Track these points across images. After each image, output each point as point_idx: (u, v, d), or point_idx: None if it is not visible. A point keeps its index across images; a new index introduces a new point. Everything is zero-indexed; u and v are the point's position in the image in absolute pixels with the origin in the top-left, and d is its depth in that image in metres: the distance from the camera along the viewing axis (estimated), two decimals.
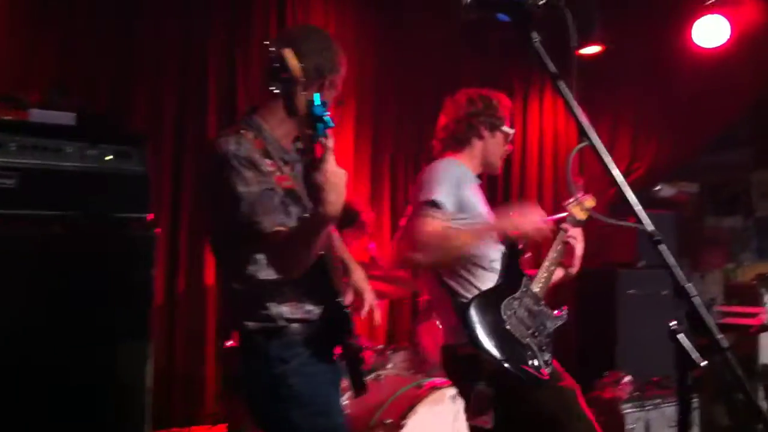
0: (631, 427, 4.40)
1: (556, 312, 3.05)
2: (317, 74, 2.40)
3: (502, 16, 1.87)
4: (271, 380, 2.32)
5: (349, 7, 5.84)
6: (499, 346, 2.76)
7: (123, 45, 4.74)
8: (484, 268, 2.95)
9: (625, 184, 1.77)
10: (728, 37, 5.70)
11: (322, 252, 2.31)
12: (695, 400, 4.67)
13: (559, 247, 3.13)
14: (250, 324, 2.34)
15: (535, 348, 2.85)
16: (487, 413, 2.83)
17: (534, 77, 6.73)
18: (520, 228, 2.87)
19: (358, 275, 2.73)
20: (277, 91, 2.12)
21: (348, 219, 4.59)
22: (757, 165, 6.92)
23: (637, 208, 1.76)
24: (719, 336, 1.62)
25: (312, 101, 1.99)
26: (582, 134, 1.80)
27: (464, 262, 2.92)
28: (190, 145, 4.95)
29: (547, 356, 2.89)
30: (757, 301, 5.48)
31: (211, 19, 5.10)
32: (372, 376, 4.11)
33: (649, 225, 1.73)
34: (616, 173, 1.77)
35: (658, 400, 4.54)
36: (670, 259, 1.69)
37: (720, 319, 5.50)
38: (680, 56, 6.07)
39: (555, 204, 6.63)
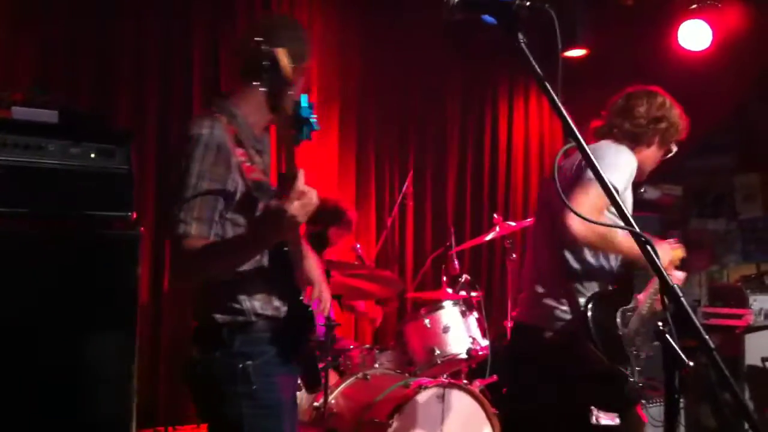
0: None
1: (653, 341, 3.02)
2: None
3: (488, 18, 1.86)
4: (231, 374, 2.27)
5: (334, 6, 5.84)
6: (609, 348, 2.74)
7: (104, 42, 4.73)
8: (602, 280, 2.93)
9: (611, 184, 1.77)
10: (710, 42, 5.75)
11: (287, 248, 2.32)
12: (681, 400, 4.69)
13: (652, 291, 3.06)
14: (219, 316, 2.30)
15: (634, 365, 2.83)
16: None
17: (519, 78, 6.75)
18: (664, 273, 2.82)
19: (311, 264, 2.65)
20: (263, 88, 2.10)
21: (334, 217, 4.59)
22: (741, 168, 6.96)
23: (624, 209, 1.76)
24: (706, 337, 1.62)
25: (299, 103, 1.99)
26: (568, 135, 1.79)
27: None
28: (174, 144, 4.92)
29: (639, 379, 2.85)
30: (742, 303, 5.50)
31: (193, 17, 5.09)
32: (359, 375, 4.10)
33: (635, 226, 1.73)
34: (602, 174, 1.77)
35: (643, 401, 4.55)
36: (657, 261, 1.69)
37: (705, 320, 5.52)
38: (664, 61, 6.10)
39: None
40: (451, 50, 6.37)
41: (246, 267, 2.30)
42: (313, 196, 2.07)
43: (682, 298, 1.65)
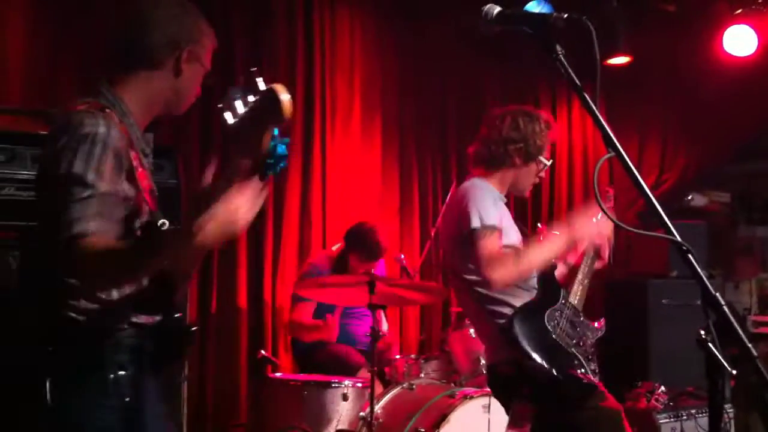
0: None
1: (596, 324, 3.08)
2: (172, 46, 2.11)
3: (527, 30, 1.88)
4: (100, 384, 2.00)
5: (373, 15, 5.88)
6: (548, 356, 2.80)
7: None
8: (520, 288, 2.99)
9: (651, 194, 1.78)
10: (756, 47, 5.69)
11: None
12: (730, 410, 4.63)
13: (589, 259, 3.14)
14: (80, 318, 1.99)
15: (581, 358, 2.89)
16: (524, 428, 2.86)
17: (562, 86, 6.72)
18: (583, 237, 2.90)
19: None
20: (232, 121, 1.84)
21: (357, 242, 4.64)
22: None
23: (665, 218, 1.76)
24: (749, 345, 1.62)
25: (275, 137, 1.82)
26: (608, 145, 1.80)
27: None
28: (217, 154, 4.99)
29: (593, 365, 2.93)
30: None
31: (234, 29, 5.14)
32: (404, 385, 4.12)
33: (676, 235, 1.73)
34: (643, 183, 1.77)
35: (693, 410, 4.51)
36: (698, 269, 1.69)
37: (755, 329, 5.46)
38: (707, 66, 6.05)
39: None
40: (491, 58, 6.37)
41: (118, 294, 2.03)
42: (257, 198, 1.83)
43: (725, 306, 1.66)
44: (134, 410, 2.04)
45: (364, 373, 4.20)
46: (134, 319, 2.06)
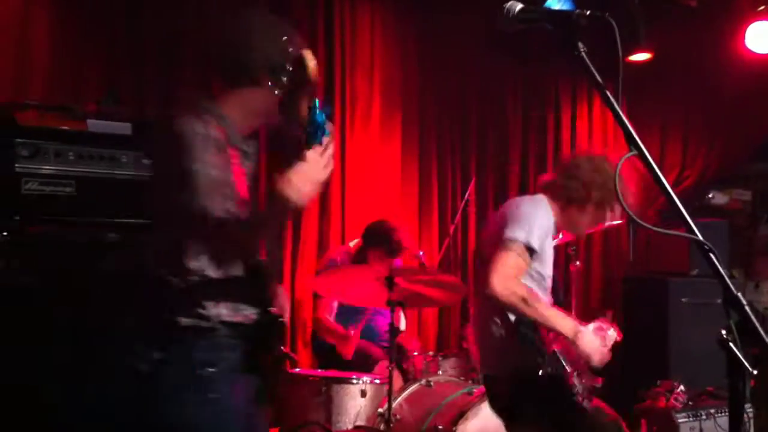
0: None
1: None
2: (270, 67, 2.29)
3: (549, 27, 1.88)
4: (189, 381, 2.18)
5: (393, 12, 5.88)
6: (546, 361, 2.91)
7: (169, 51, 4.82)
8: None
9: (673, 192, 1.76)
10: None
11: (263, 258, 2.29)
12: (750, 410, 4.60)
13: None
14: (183, 320, 2.19)
15: (575, 378, 2.96)
16: None
17: (582, 82, 6.69)
18: (584, 350, 2.93)
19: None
20: (278, 91, 2.11)
21: (377, 239, 4.65)
22: None
23: (687, 216, 1.75)
24: None
25: (314, 107, 1.96)
26: (629, 143, 1.80)
27: None
28: None
29: (585, 390, 3.00)
30: None
31: None
32: (423, 382, 4.13)
33: (698, 234, 1.72)
34: (665, 181, 1.76)
35: (713, 410, 4.50)
36: (720, 268, 1.68)
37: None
38: (729, 63, 6.01)
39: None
40: (512, 56, 6.36)
41: (217, 274, 2.23)
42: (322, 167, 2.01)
43: (746, 306, 1.65)
44: (225, 407, 2.19)
45: (384, 367, 4.20)
46: (229, 319, 2.22)
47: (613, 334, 3.11)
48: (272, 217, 2.12)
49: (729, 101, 6.30)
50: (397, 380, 4.20)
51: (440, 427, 3.71)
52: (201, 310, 2.20)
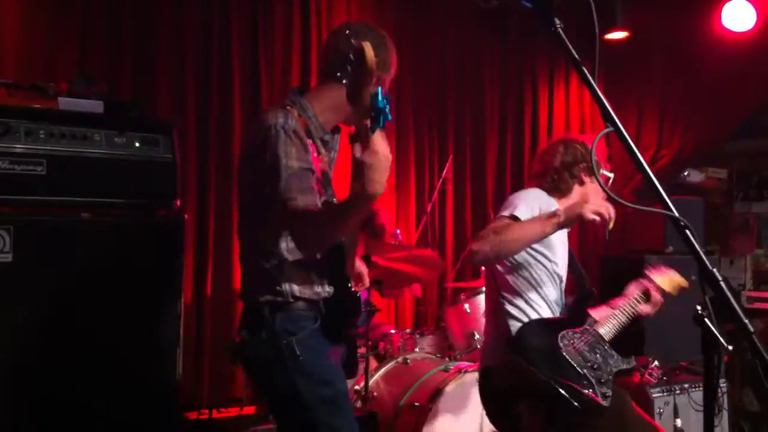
0: (659, 411, 4.39)
1: (624, 357, 3.07)
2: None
3: (525, 3, 1.87)
4: (276, 351, 2.37)
5: None
6: (548, 367, 2.77)
7: (143, 31, 4.77)
8: (546, 304, 3.03)
9: (649, 170, 1.76)
10: (754, 22, 5.66)
11: (344, 241, 2.42)
12: (724, 384, 4.65)
13: (634, 299, 3.21)
14: (260, 297, 2.41)
15: (592, 380, 2.83)
16: None
17: (560, 61, 6.69)
18: (584, 212, 2.82)
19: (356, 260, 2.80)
20: (344, 80, 2.29)
21: (366, 224, 4.65)
22: None
23: (663, 193, 1.75)
24: (746, 321, 1.62)
25: (376, 94, 2.06)
26: (606, 120, 1.79)
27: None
28: (213, 133, 4.98)
29: (605, 390, 2.85)
30: None
31: (232, 6, 5.11)
32: (399, 360, 4.14)
33: (674, 211, 1.73)
34: (641, 158, 1.76)
35: (686, 385, 4.53)
36: (696, 245, 1.68)
37: (750, 305, 5.47)
38: (706, 42, 6.02)
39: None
40: (489, 33, 6.34)
41: (297, 259, 2.39)
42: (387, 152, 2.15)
43: (722, 282, 1.65)
44: (315, 366, 2.37)
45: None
46: (298, 294, 2.40)
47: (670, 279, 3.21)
48: (352, 209, 2.24)
49: (706, 81, 6.31)
50: (374, 360, 4.21)
51: (417, 404, 3.72)
52: (276, 287, 2.39)
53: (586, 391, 2.76)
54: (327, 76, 2.54)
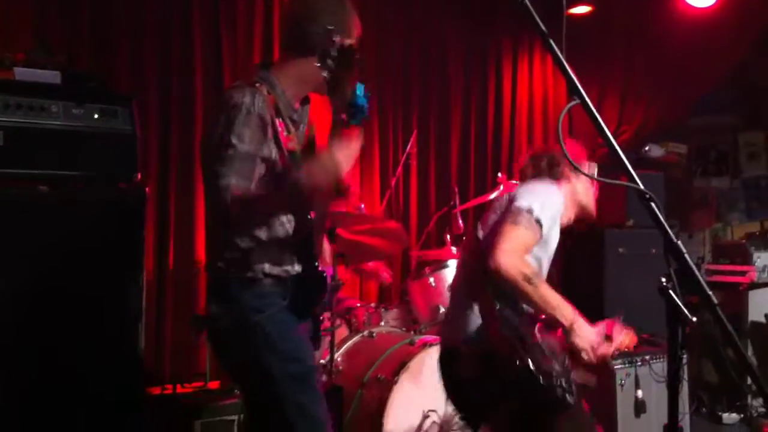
0: (621, 383, 4.45)
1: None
2: (326, 38, 2.41)
3: None
4: (245, 327, 2.38)
5: None
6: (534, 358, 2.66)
7: (103, 2, 4.67)
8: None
9: (614, 141, 1.76)
10: None
11: (313, 220, 2.47)
12: (684, 356, 4.73)
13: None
14: (228, 271, 2.42)
15: (563, 376, 2.72)
16: None
17: (524, 37, 6.68)
18: (577, 343, 2.74)
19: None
20: (325, 73, 2.26)
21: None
22: (745, 126, 6.94)
23: (628, 165, 1.76)
24: (709, 292, 1.63)
25: (356, 91, 2.11)
26: (572, 93, 1.79)
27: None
28: (175, 106, 4.90)
29: (572, 386, 2.75)
30: (746, 260, 5.53)
31: None
32: (365, 333, 4.14)
33: (639, 183, 1.73)
34: (606, 130, 1.76)
35: (648, 357, 4.59)
36: (661, 217, 1.69)
37: (709, 278, 5.55)
38: (668, 19, 6.05)
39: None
40: (454, 8, 6.31)
41: (266, 235, 2.42)
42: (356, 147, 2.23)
43: (686, 254, 1.67)
44: (284, 342, 2.39)
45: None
46: (268, 271, 2.41)
47: (626, 340, 2.98)
48: (289, 197, 2.32)
49: (668, 56, 6.34)
50: (340, 333, 4.20)
51: (382, 377, 3.73)
52: (247, 265, 2.40)
53: (560, 386, 2.67)
54: (291, 49, 2.52)
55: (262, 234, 2.41)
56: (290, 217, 2.48)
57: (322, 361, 3.89)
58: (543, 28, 1.81)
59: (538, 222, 2.73)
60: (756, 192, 6.97)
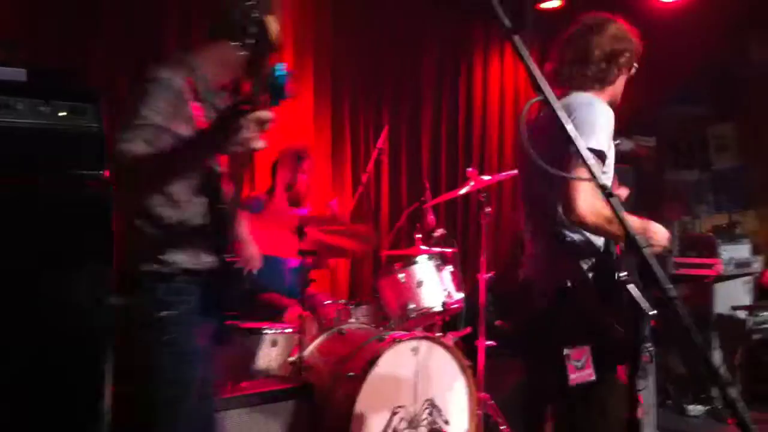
0: None
1: None
2: (243, 14, 2.32)
3: None
4: (151, 322, 2.35)
5: None
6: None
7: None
8: None
9: (579, 138, 1.78)
10: None
11: (226, 205, 2.43)
12: (651, 349, 4.76)
13: None
14: (143, 265, 2.38)
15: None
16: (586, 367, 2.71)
17: (495, 32, 6.70)
18: (658, 240, 2.79)
19: (241, 224, 2.71)
20: (243, 52, 2.17)
21: (289, 158, 4.69)
22: (714, 118, 7.01)
23: (590, 162, 1.78)
24: (668, 286, 1.65)
25: (275, 71, 1.99)
26: (536, 89, 1.80)
27: None
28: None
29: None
30: (713, 253, 5.59)
31: None
32: (335, 330, 4.14)
33: (600, 179, 1.75)
34: (570, 128, 1.78)
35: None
36: (619, 212, 1.71)
37: (677, 270, 5.60)
38: (637, 13, 6.09)
39: (515, 159, 6.67)
40: (426, 3, 6.32)
41: (178, 221, 2.38)
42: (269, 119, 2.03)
43: (645, 249, 1.69)
44: (182, 347, 2.35)
45: (294, 315, 4.19)
46: (185, 265, 2.37)
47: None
48: (197, 149, 2.20)
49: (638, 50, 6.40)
50: (310, 329, 4.20)
51: (351, 373, 3.74)
52: (161, 256, 2.36)
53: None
54: (212, 32, 2.50)
55: (172, 216, 2.37)
56: (203, 199, 2.43)
57: (291, 358, 3.89)
58: (508, 25, 1.82)
59: (600, 154, 2.70)
60: (724, 184, 7.04)
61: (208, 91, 2.45)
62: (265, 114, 1.99)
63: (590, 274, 2.72)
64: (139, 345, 2.40)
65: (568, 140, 1.71)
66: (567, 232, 2.77)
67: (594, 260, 2.74)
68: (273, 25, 2.12)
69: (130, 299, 2.41)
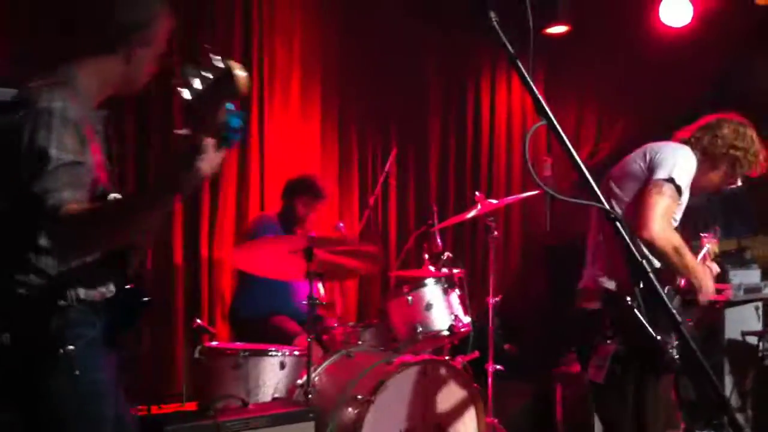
0: None
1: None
2: (124, 34, 2.22)
3: None
4: (48, 362, 2.09)
5: None
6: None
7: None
8: None
9: (582, 162, 1.79)
10: (690, 18, 5.82)
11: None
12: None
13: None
14: (31, 296, 2.08)
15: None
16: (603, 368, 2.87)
17: (502, 55, 6.67)
18: (704, 294, 3.02)
19: None
20: (188, 97, 1.84)
21: (299, 187, 4.81)
22: None
23: (593, 185, 1.78)
24: (673, 311, 1.65)
25: (232, 112, 1.87)
26: (539, 113, 1.81)
27: None
28: (153, 125, 4.89)
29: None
30: (722, 278, 5.55)
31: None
32: (343, 353, 4.13)
33: (604, 203, 1.75)
34: (572, 151, 1.78)
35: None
36: (625, 236, 1.71)
37: (686, 296, 5.55)
38: (644, 37, 6.13)
39: (523, 182, 6.68)
40: (433, 27, 6.36)
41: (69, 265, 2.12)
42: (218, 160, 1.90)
43: (651, 274, 1.68)
44: (88, 382, 2.11)
45: (301, 341, 4.19)
46: (83, 296, 2.13)
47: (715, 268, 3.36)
48: (151, 202, 1.99)
49: (645, 74, 6.42)
50: (317, 352, 4.19)
51: (359, 396, 3.71)
52: (56, 290, 2.10)
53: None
54: (93, 45, 2.24)
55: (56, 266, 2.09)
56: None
57: (299, 381, 3.88)
58: (510, 49, 1.84)
59: (679, 190, 3.01)
60: (733, 209, 6.99)
61: (89, 111, 2.20)
62: (217, 157, 1.88)
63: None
64: (36, 387, 2.09)
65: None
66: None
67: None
68: (240, 75, 1.83)
69: (20, 337, 2.08)
